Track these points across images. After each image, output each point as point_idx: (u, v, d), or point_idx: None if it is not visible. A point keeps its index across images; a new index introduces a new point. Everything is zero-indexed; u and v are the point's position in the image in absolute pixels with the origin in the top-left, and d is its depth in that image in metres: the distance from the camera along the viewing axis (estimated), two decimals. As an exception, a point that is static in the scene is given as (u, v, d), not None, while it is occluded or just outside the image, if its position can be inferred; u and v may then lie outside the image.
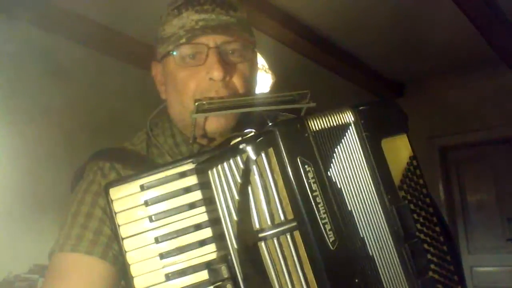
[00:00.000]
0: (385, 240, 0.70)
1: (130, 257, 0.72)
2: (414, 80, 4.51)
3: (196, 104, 0.81)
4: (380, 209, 0.71)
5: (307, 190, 0.67)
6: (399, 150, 0.77)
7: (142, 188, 0.73)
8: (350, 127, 0.73)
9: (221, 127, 0.86)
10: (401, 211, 0.71)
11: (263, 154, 0.68)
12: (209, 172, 0.72)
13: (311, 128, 0.70)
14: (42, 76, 2.97)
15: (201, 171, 0.73)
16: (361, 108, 0.75)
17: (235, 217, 0.69)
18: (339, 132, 0.72)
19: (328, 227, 0.67)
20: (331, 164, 0.70)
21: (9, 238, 2.86)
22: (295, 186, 0.67)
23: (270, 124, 0.71)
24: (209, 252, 0.72)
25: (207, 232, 0.73)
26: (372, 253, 0.69)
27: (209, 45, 0.85)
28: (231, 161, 0.69)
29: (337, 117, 0.73)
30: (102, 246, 0.82)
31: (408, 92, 4.63)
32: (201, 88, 0.86)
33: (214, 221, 0.72)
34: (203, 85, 0.86)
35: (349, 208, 0.70)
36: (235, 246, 0.69)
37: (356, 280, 0.67)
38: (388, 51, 3.80)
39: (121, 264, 0.80)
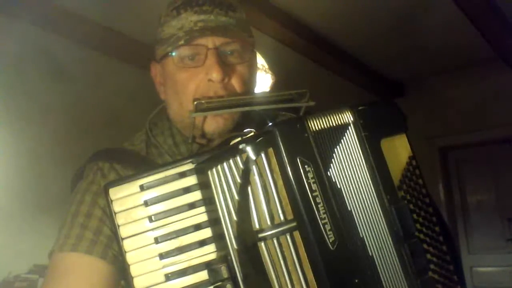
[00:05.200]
0: (384, 240, 0.70)
1: (130, 257, 0.72)
2: (414, 80, 4.50)
3: (195, 103, 0.81)
4: (380, 209, 0.71)
5: (307, 190, 0.67)
6: (398, 150, 0.77)
7: (142, 188, 0.73)
8: (349, 127, 0.73)
9: (219, 128, 0.86)
10: (400, 211, 0.71)
11: (262, 154, 0.68)
12: (209, 172, 0.72)
13: (310, 128, 0.71)
14: (42, 76, 2.97)
15: (201, 171, 0.73)
16: (360, 108, 0.75)
17: (235, 217, 0.69)
18: (338, 132, 0.72)
19: (328, 227, 0.67)
20: (331, 164, 0.70)
21: (9, 238, 2.86)
22: (294, 186, 0.67)
23: (269, 124, 0.71)
24: (209, 252, 0.72)
25: (207, 232, 0.73)
26: (372, 253, 0.69)
27: (208, 46, 0.86)
28: (230, 161, 0.69)
29: (336, 117, 0.73)
30: (102, 246, 0.82)
31: (408, 92, 4.63)
32: (200, 90, 0.86)
33: (214, 221, 0.72)
34: (202, 86, 0.86)
35: (349, 208, 0.70)
36: (235, 246, 0.70)
37: (356, 280, 0.67)
38: (388, 51, 3.79)
39: (121, 264, 0.80)
